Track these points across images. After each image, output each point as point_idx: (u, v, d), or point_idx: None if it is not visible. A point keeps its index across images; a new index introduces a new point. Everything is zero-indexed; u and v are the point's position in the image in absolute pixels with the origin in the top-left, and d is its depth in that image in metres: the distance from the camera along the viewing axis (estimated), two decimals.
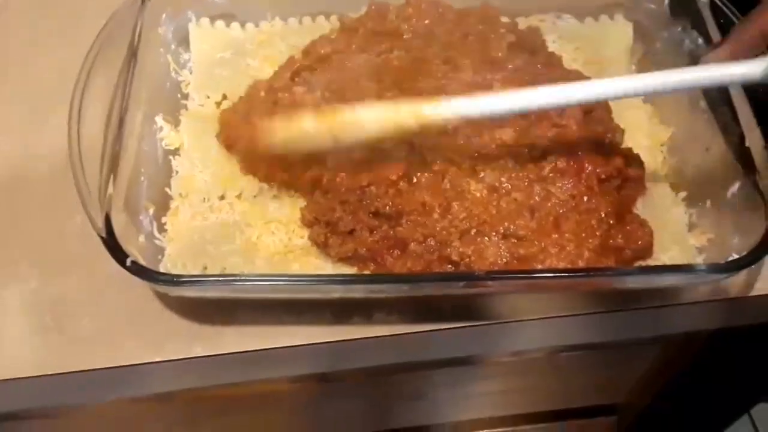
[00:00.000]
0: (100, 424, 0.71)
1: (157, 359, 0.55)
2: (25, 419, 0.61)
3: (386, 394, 0.77)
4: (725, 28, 0.62)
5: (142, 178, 0.58)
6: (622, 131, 0.62)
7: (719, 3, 0.62)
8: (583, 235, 0.56)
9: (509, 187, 0.57)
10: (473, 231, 0.56)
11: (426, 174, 0.57)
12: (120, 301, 0.57)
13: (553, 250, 0.55)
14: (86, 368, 0.55)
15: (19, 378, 0.54)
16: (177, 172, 0.61)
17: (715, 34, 0.62)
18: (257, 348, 0.56)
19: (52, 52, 0.69)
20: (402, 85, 0.61)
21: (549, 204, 0.57)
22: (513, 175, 0.57)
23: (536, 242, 0.55)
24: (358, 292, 0.54)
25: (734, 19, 0.61)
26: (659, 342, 0.73)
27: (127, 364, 0.55)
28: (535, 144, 0.59)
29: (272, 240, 0.58)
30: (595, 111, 0.62)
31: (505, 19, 0.67)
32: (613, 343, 0.65)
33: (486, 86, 0.62)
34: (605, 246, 0.56)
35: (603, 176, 0.58)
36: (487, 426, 0.89)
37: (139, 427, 0.74)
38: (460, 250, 0.55)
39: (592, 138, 0.60)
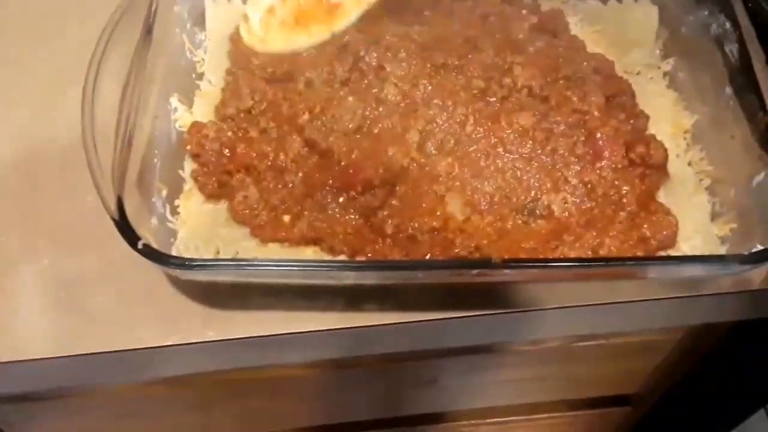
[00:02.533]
0: (113, 406, 0.71)
1: (169, 342, 0.54)
2: (38, 400, 0.62)
3: (400, 381, 0.77)
4: (753, 12, 0.60)
5: (156, 160, 0.57)
6: (647, 117, 0.61)
7: None
8: (602, 224, 0.55)
9: (526, 171, 0.56)
10: (489, 217, 0.55)
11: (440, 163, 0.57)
12: (133, 282, 0.56)
13: (569, 239, 0.54)
14: (98, 350, 0.54)
15: (32, 359, 0.54)
16: None
17: (742, 19, 0.61)
18: (269, 333, 0.55)
19: (69, 29, 0.69)
20: (420, 62, 0.60)
21: (567, 190, 0.56)
22: (530, 159, 0.56)
23: (555, 230, 0.54)
24: (371, 278, 0.53)
25: (763, 3, 0.60)
26: (678, 332, 0.73)
27: (140, 347, 0.54)
28: (554, 129, 0.58)
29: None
30: (619, 96, 0.61)
31: (527, 0, 0.66)
32: (632, 333, 0.64)
33: (506, 68, 0.61)
34: (629, 235, 0.55)
35: (624, 164, 0.57)
36: (501, 414, 0.89)
37: (153, 410, 0.74)
38: (474, 238, 0.54)
39: (615, 124, 0.59)
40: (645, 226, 0.56)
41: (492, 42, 0.61)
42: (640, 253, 0.55)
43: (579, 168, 0.57)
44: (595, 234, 0.55)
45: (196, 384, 0.68)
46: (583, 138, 0.58)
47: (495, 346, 0.69)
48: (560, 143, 0.58)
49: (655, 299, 0.58)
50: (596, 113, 0.58)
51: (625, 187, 0.57)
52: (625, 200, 0.56)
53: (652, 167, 0.58)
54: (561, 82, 0.61)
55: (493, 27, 0.62)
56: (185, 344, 0.55)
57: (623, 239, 0.55)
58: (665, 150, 0.59)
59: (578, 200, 0.56)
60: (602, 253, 0.54)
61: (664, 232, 0.56)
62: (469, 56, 0.61)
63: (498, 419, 0.90)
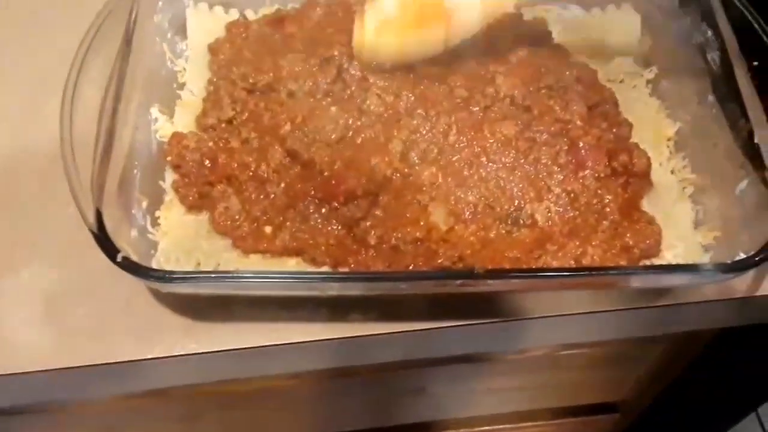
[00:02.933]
0: (96, 419, 0.70)
1: (151, 355, 0.54)
2: (19, 414, 0.61)
3: (386, 391, 0.77)
4: (735, 21, 0.60)
5: (136, 171, 0.56)
6: (630, 126, 0.61)
7: None
8: (585, 233, 0.55)
9: (509, 180, 0.56)
10: (473, 226, 0.55)
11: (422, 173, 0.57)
12: (114, 294, 0.56)
13: (552, 248, 0.54)
14: (79, 364, 0.54)
15: (12, 374, 0.53)
16: None
17: (725, 27, 0.61)
18: (253, 345, 0.55)
19: (48, 39, 0.68)
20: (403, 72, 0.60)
21: (550, 199, 0.56)
22: (513, 168, 0.56)
23: (539, 239, 0.54)
24: (354, 290, 0.53)
25: (745, 12, 0.60)
26: (664, 341, 0.73)
27: (121, 360, 0.54)
28: (536, 139, 0.58)
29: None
30: (602, 105, 0.61)
31: (510, 10, 0.66)
32: (617, 341, 0.64)
33: (489, 78, 0.61)
34: (612, 244, 0.55)
35: (607, 173, 0.57)
36: (489, 423, 0.89)
37: (137, 422, 0.73)
38: (458, 247, 0.54)
39: (597, 133, 0.59)
40: (628, 235, 0.56)
41: (474, 51, 0.61)
42: (623, 262, 0.55)
43: (562, 177, 0.57)
44: (578, 243, 0.55)
45: (181, 396, 0.67)
46: (565, 147, 0.58)
47: (481, 355, 0.69)
48: (543, 152, 0.58)
49: (639, 308, 0.58)
50: (579, 122, 0.58)
51: (608, 196, 0.57)
52: (608, 209, 0.56)
53: (635, 176, 0.58)
54: (543, 91, 0.61)
55: (476, 37, 0.62)
56: (167, 357, 0.54)
57: (606, 248, 0.55)
58: (648, 158, 0.59)
59: (561, 209, 0.56)
60: (585, 262, 0.54)
61: (648, 241, 0.56)
62: (453, 66, 0.61)
63: (485, 428, 0.90)
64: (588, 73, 0.63)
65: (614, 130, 0.60)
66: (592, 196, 0.57)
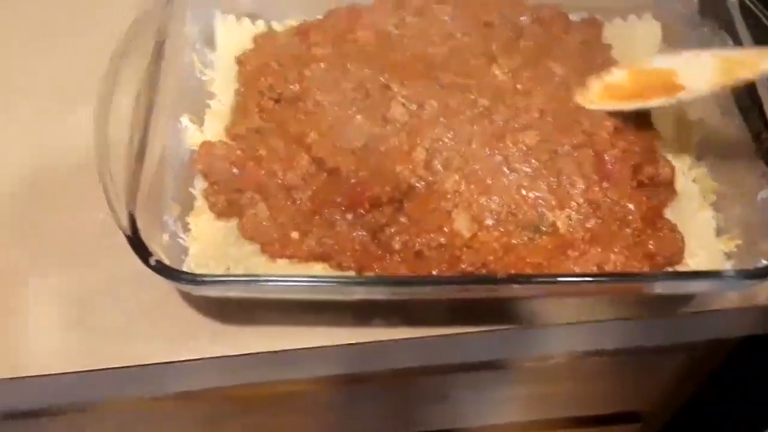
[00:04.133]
0: (121, 421, 0.71)
1: (179, 358, 0.55)
2: (46, 416, 0.62)
3: (409, 397, 0.77)
4: (755, 29, 0.60)
5: (167, 178, 0.58)
6: (658, 136, 0.61)
7: (749, 3, 0.61)
8: (607, 240, 0.56)
9: (532, 188, 0.57)
10: (495, 233, 0.56)
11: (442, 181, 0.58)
12: (143, 298, 0.57)
13: (573, 254, 0.54)
14: (109, 365, 0.55)
15: (42, 375, 0.54)
16: None
17: (744, 36, 0.61)
18: (279, 348, 0.56)
19: (78, 48, 0.70)
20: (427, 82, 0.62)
21: (573, 208, 0.56)
22: (535, 177, 0.57)
23: (561, 246, 0.55)
24: (379, 294, 0.54)
25: (765, 20, 0.60)
26: (686, 349, 0.72)
27: (150, 362, 0.55)
28: (557, 150, 0.59)
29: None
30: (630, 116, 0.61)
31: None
32: (639, 349, 0.64)
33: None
34: (634, 252, 0.55)
35: (632, 185, 0.57)
36: (510, 431, 0.89)
37: (162, 424, 0.74)
38: (481, 254, 0.55)
39: (623, 146, 0.59)
40: (651, 242, 0.56)
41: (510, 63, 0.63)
42: (645, 269, 0.55)
43: (585, 187, 0.58)
44: (600, 250, 0.55)
45: (206, 399, 0.68)
46: (591, 159, 0.58)
47: (503, 362, 0.69)
48: (566, 162, 0.59)
49: (662, 316, 0.59)
50: (605, 135, 0.59)
51: (630, 205, 0.57)
52: (630, 217, 0.57)
53: (659, 185, 0.59)
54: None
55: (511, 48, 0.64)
56: (194, 360, 0.55)
57: (629, 255, 0.55)
58: (673, 168, 0.60)
59: (583, 218, 0.57)
60: (607, 269, 0.54)
61: (671, 249, 0.56)
62: (484, 73, 0.62)
63: None
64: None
65: (636, 148, 0.60)
66: (615, 205, 0.57)
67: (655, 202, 0.59)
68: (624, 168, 0.58)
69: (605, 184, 0.58)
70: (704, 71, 0.57)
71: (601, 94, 0.61)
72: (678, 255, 0.57)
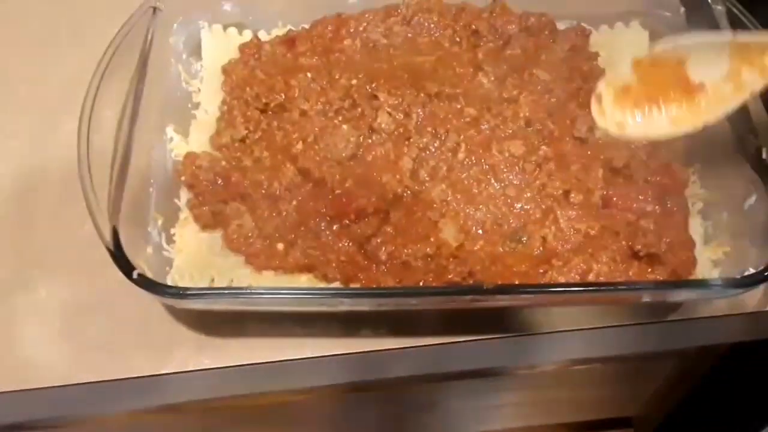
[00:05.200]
0: None
1: (165, 371, 0.55)
2: (33, 429, 0.62)
3: (399, 406, 0.77)
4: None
5: (152, 189, 0.58)
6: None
7: (736, 12, 0.61)
8: (597, 250, 0.56)
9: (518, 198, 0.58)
10: (482, 242, 0.56)
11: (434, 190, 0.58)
12: (129, 310, 0.57)
13: (558, 263, 0.54)
14: (94, 379, 0.55)
15: (28, 389, 0.54)
16: None
17: None
18: (265, 360, 0.56)
19: (63, 60, 0.70)
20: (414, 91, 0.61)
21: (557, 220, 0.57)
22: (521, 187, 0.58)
23: (546, 256, 0.55)
24: (365, 305, 0.54)
25: (751, 27, 0.60)
26: (676, 356, 0.72)
27: (135, 375, 0.55)
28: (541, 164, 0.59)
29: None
30: None
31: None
32: (630, 356, 0.64)
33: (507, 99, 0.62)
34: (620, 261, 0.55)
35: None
36: None
37: None
38: (467, 263, 0.54)
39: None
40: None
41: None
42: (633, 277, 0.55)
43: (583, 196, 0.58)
44: (584, 259, 0.55)
45: (197, 411, 0.68)
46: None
47: (493, 370, 0.69)
48: (553, 172, 0.59)
49: (650, 323, 0.59)
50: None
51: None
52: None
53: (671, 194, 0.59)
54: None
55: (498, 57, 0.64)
56: (181, 372, 0.55)
57: (614, 264, 0.55)
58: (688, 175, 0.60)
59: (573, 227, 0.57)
60: (592, 277, 0.54)
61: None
62: (470, 82, 0.62)
63: None
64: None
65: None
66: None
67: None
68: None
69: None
70: (718, 61, 0.51)
71: (614, 101, 0.53)
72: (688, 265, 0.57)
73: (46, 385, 0.55)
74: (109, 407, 0.58)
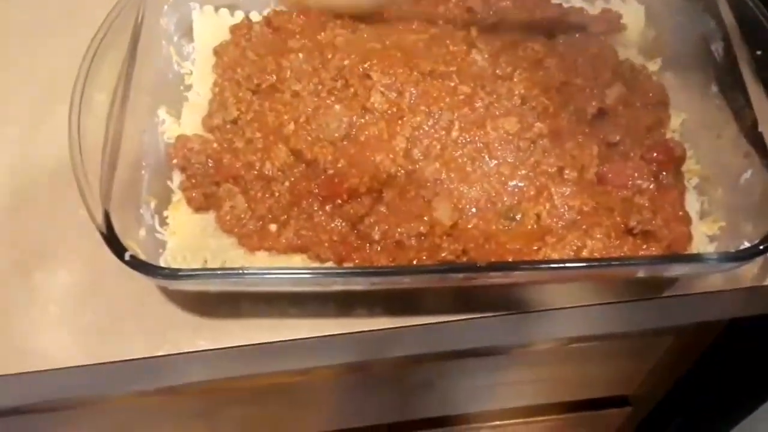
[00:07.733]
0: (112, 416, 0.71)
1: (161, 353, 0.55)
2: (32, 413, 0.62)
3: (398, 386, 0.77)
4: (738, 11, 0.60)
5: (144, 172, 0.57)
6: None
7: None
8: (591, 226, 0.55)
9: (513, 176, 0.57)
10: (475, 220, 0.56)
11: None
12: (124, 293, 0.57)
13: (551, 240, 0.54)
14: (90, 362, 0.55)
15: (25, 373, 0.54)
16: None
17: (728, 17, 0.61)
18: (261, 341, 0.56)
19: (55, 44, 0.69)
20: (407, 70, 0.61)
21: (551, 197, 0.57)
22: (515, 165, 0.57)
23: (540, 233, 0.55)
24: (358, 284, 0.54)
25: (748, 1, 0.60)
26: (673, 332, 0.72)
27: (132, 357, 0.55)
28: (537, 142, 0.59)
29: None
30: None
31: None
32: (626, 333, 0.64)
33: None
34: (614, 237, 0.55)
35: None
36: (500, 417, 0.89)
37: (155, 419, 0.74)
38: (461, 242, 0.54)
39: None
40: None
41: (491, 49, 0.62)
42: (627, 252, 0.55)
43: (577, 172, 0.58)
44: (578, 235, 0.55)
45: (196, 393, 0.68)
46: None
47: (491, 349, 0.69)
48: (547, 151, 0.58)
49: (647, 299, 0.59)
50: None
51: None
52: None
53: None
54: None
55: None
56: (177, 354, 0.55)
57: (608, 240, 0.55)
58: (684, 149, 0.60)
59: (568, 203, 0.57)
60: (586, 253, 0.54)
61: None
62: (464, 60, 0.62)
63: (496, 422, 0.90)
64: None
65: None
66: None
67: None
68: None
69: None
70: None
71: None
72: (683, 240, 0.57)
73: (43, 369, 0.55)
74: (107, 390, 0.58)
